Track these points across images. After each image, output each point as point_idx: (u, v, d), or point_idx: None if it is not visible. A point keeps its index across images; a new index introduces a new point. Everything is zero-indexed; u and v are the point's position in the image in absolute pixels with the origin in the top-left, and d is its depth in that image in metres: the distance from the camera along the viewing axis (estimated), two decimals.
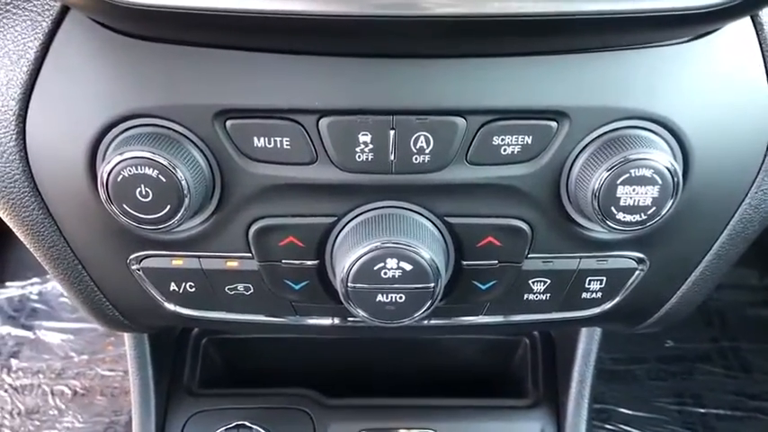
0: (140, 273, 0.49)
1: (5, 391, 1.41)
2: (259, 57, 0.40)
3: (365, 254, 0.43)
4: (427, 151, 0.42)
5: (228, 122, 0.42)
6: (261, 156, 0.43)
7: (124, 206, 0.42)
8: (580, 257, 0.47)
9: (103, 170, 0.41)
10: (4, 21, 0.42)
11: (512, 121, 0.42)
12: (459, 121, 0.42)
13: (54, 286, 1.66)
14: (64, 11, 0.42)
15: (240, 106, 0.41)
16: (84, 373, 1.44)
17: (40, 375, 1.45)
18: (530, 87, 0.41)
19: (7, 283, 1.66)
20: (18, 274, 1.66)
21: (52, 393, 1.39)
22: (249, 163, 0.43)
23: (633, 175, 0.41)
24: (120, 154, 0.41)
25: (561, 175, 0.44)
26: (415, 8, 0.32)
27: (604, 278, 0.49)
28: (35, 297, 1.64)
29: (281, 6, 0.32)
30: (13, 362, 1.46)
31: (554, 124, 0.42)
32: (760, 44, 0.43)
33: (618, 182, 0.41)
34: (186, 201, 0.41)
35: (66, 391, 1.39)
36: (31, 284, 1.65)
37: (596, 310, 0.52)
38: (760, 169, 0.46)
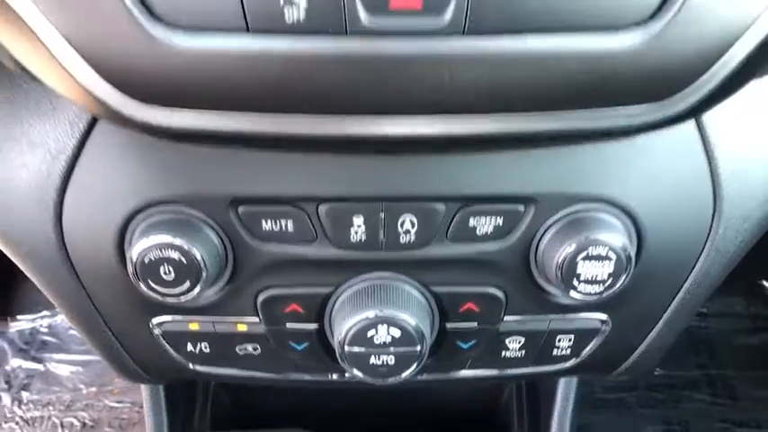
0: (160, 334, 0.55)
1: (16, 423, 1.45)
2: (266, 154, 0.47)
3: (359, 322, 0.49)
4: (412, 231, 0.49)
5: (240, 209, 0.49)
6: (268, 236, 0.49)
7: (149, 282, 0.48)
8: (549, 319, 0.54)
9: (132, 253, 0.47)
10: (48, 124, 0.48)
11: (485, 206, 0.49)
12: (440, 206, 0.48)
13: (63, 319, 1.71)
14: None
15: (251, 195, 0.48)
16: (92, 405, 1.48)
17: (50, 407, 1.49)
18: (499, 177, 0.48)
19: (18, 317, 1.71)
20: (28, 307, 1.71)
21: (62, 425, 1.43)
22: (258, 242, 0.50)
23: (591, 253, 0.48)
24: (147, 239, 0.47)
25: (530, 250, 0.50)
26: (372, 129, 0.39)
27: (572, 336, 0.55)
28: (45, 330, 1.70)
29: (264, 128, 0.39)
30: (24, 394, 1.51)
31: (521, 208, 0.49)
32: (700, 133, 0.50)
33: (578, 259, 0.48)
34: (203, 276, 0.48)
35: (76, 423, 1.44)
36: (41, 317, 1.71)
37: (567, 364, 0.58)
38: (706, 242, 0.52)
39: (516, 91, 0.38)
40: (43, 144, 0.49)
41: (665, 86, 0.38)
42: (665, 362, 1.49)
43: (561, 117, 0.39)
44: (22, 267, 0.55)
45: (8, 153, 0.50)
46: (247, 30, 0.36)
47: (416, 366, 0.51)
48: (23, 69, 0.41)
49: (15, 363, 1.60)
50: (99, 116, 0.45)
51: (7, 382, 1.57)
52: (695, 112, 0.40)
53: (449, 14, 0.35)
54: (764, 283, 1.61)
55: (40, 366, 1.59)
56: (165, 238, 0.47)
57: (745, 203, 0.52)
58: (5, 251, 0.55)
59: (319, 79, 0.37)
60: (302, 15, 0.35)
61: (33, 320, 1.70)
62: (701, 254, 0.52)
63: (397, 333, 0.49)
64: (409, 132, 0.39)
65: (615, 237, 0.48)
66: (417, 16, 0.35)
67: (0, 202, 0.51)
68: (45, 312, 1.70)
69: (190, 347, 0.55)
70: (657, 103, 0.39)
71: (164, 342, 0.56)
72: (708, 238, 0.51)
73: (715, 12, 0.36)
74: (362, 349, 0.50)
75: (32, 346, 1.65)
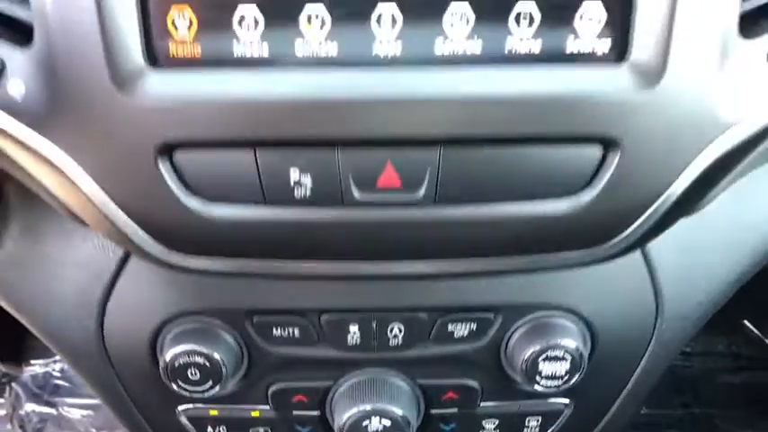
0: (184, 419, 0.64)
1: None
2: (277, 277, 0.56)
3: (355, 414, 0.58)
4: (400, 336, 0.58)
5: (255, 318, 0.58)
6: (278, 341, 0.59)
7: (178, 381, 0.57)
8: (519, 404, 0.63)
9: (164, 357, 0.57)
10: (95, 249, 0.58)
11: (460, 314, 0.58)
12: (423, 315, 0.58)
13: None
14: None
15: (263, 308, 0.57)
16: None
17: None
18: (472, 292, 0.58)
19: (32, 362, 1.79)
20: (41, 353, 1.79)
21: None
22: (269, 345, 0.60)
23: (550, 354, 0.57)
24: (177, 346, 0.57)
25: (500, 348, 0.60)
26: (363, 270, 0.49)
27: (540, 417, 0.64)
28: (57, 374, 1.77)
29: (277, 270, 0.49)
30: None
31: (491, 315, 0.58)
32: (642, 251, 0.60)
33: (539, 359, 0.57)
34: (224, 376, 0.57)
35: None
36: (54, 362, 1.79)
37: None
38: (651, 338, 0.62)
39: (479, 243, 0.47)
40: (89, 265, 0.58)
41: (597, 238, 0.48)
42: (649, 400, 1.56)
43: (516, 259, 0.48)
44: (61, 357, 0.64)
45: (58, 269, 0.60)
46: (265, 202, 0.45)
47: None
48: (75, 217, 0.51)
49: (29, 407, 1.67)
50: (135, 255, 0.55)
51: (21, 426, 1.64)
52: (627, 251, 0.50)
53: (422, 191, 0.45)
54: (746, 323, 1.68)
55: (53, 411, 1.66)
56: (192, 346, 0.56)
57: (683, 305, 0.61)
58: (46, 343, 0.64)
59: (322, 238, 0.46)
60: (308, 192, 0.45)
61: (46, 365, 1.78)
62: (647, 348, 0.62)
63: (387, 422, 0.58)
64: (388, 272, 0.49)
65: (570, 341, 0.57)
66: (398, 192, 0.45)
67: (47, 307, 0.61)
68: (57, 357, 1.77)
69: (210, 429, 0.64)
70: (593, 248, 0.49)
71: (187, 423, 0.65)
72: (652, 335, 0.61)
73: (633, 185, 0.45)
74: None
75: (45, 390, 1.73)
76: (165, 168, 0.44)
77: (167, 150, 0.44)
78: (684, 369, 1.65)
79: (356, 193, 0.45)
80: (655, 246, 0.59)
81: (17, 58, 0.43)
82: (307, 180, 0.44)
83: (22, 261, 0.61)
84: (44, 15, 0.41)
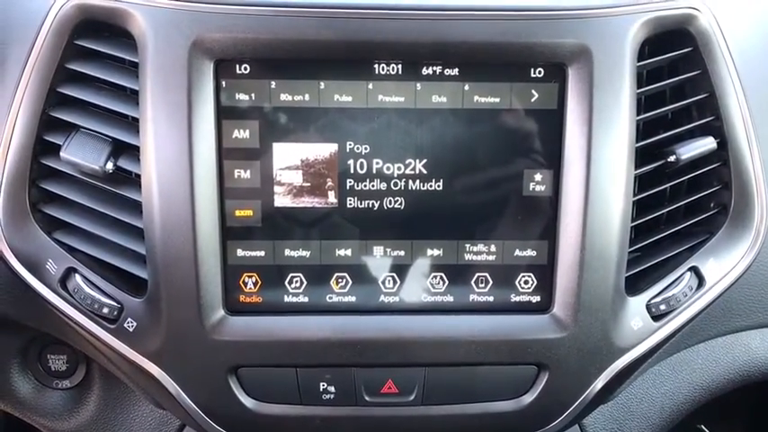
0: None
1: None
2: None
3: None
4: None
5: None
6: None
7: None
8: None
9: None
10: (156, 423, 0.76)
11: None
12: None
13: None
14: None
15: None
16: None
17: None
18: None
19: None
20: None
21: None
22: None
23: None
24: None
25: None
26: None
27: None
28: None
29: None
30: None
31: None
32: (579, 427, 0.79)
33: None
34: None
35: None
36: None
37: None
38: None
39: (453, 430, 0.66)
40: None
41: (538, 424, 0.67)
42: None
43: None
44: None
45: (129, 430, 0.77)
46: (301, 403, 0.64)
47: None
48: (156, 404, 0.69)
49: None
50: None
51: None
52: (564, 430, 0.69)
53: (413, 396, 0.64)
54: (702, 427, 1.84)
55: None
56: None
57: None
58: None
59: (341, 427, 0.65)
60: (332, 396, 0.64)
61: None
62: None
63: None
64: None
65: None
66: (396, 396, 0.64)
67: None
68: None
69: None
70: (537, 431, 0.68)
71: None
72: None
73: (559, 391, 0.65)
74: None
75: None
76: (232, 381, 0.63)
77: (235, 369, 0.63)
78: None
79: (366, 397, 0.64)
80: (588, 419, 0.78)
81: (132, 304, 0.62)
82: (331, 389, 0.64)
83: (100, 425, 0.78)
84: (156, 279, 0.60)
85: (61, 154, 0.61)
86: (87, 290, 0.62)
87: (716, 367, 0.79)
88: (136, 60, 0.59)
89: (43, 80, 0.61)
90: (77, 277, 0.62)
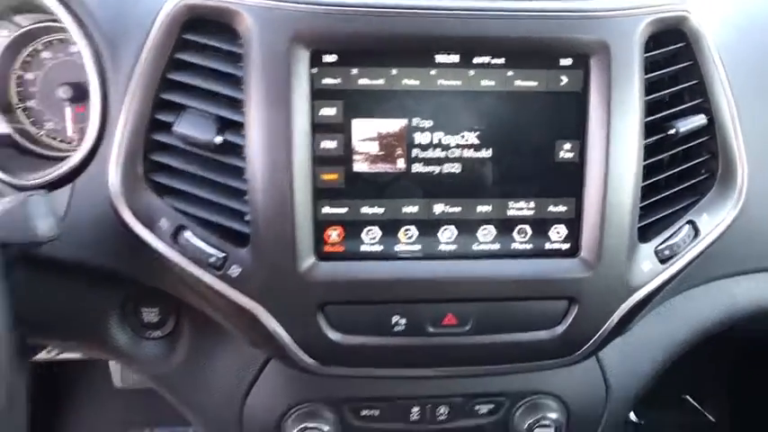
0: None
1: None
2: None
3: None
4: (445, 414, 0.90)
5: (349, 404, 0.88)
6: (364, 418, 0.90)
7: None
8: None
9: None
10: (241, 361, 0.88)
11: (484, 398, 0.90)
12: (459, 399, 0.90)
13: None
14: None
15: (354, 396, 0.88)
16: None
17: None
18: (492, 385, 0.90)
19: None
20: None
21: None
22: (357, 421, 0.90)
23: (541, 423, 0.89)
24: (300, 424, 0.86)
25: (508, 420, 0.91)
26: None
27: None
28: None
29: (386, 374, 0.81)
30: None
31: (504, 399, 0.90)
32: (596, 358, 0.93)
33: (534, 427, 0.89)
34: None
35: None
36: None
37: None
38: (605, 406, 0.95)
39: (499, 354, 0.81)
40: (238, 371, 0.89)
41: (566, 352, 0.82)
42: None
43: (520, 365, 0.82)
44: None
45: (214, 373, 0.89)
46: (377, 334, 0.77)
47: None
48: (251, 341, 0.82)
49: None
50: (286, 365, 0.84)
51: None
52: (585, 359, 0.83)
53: (468, 326, 0.78)
54: (688, 398, 2.00)
55: None
56: (310, 421, 0.86)
57: (624, 385, 0.94)
58: (194, 420, 0.92)
59: (409, 353, 0.79)
60: (403, 329, 0.78)
61: None
62: (603, 412, 0.95)
63: None
64: (443, 373, 0.83)
65: (554, 414, 0.89)
66: (454, 327, 0.78)
67: (204, 399, 0.89)
68: None
69: None
70: (564, 358, 0.82)
71: None
72: (606, 401, 0.94)
73: (585, 322, 0.79)
74: None
75: None
76: (320, 317, 0.76)
77: (323, 306, 0.76)
78: None
79: (430, 328, 0.78)
80: (603, 352, 0.93)
81: (236, 254, 0.75)
82: (402, 321, 0.77)
83: (190, 368, 0.90)
84: (258, 232, 0.73)
85: (174, 129, 0.73)
86: (196, 243, 0.74)
87: (705, 309, 0.95)
88: (238, 51, 0.72)
89: (156, 69, 0.74)
90: (187, 233, 0.75)
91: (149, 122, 0.75)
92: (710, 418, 1.90)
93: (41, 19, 0.87)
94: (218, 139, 0.73)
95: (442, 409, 0.90)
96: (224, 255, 0.75)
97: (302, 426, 0.87)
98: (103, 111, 0.77)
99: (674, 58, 0.80)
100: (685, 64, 0.79)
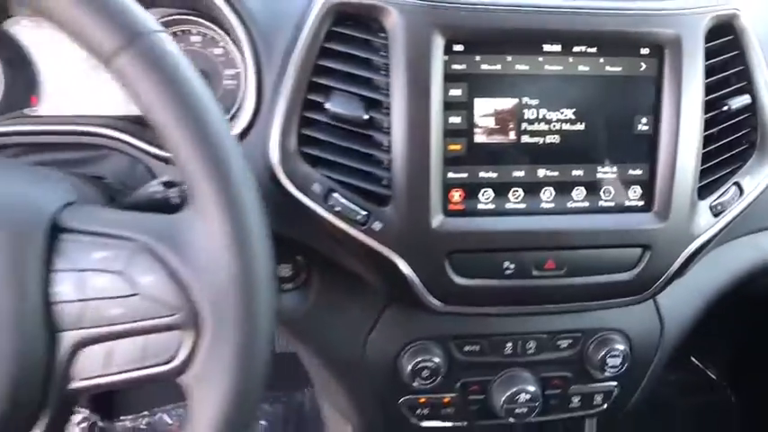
0: (404, 408, 1.08)
1: None
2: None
3: (510, 393, 1.05)
4: (533, 348, 1.07)
5: (455, 340, 1.05)
6: (467, 353, 1.06)
7: (416, 378, 1.02)
8: (592, 386, 1.12)
9: (409, 365, 1.01)
10: (364, 304, 1.04)
11: (564, 335, 1.08)
12: (545, 336, 1.07)
13: (161, 417, 2.09)
14: None
15: (460, 334, 1.05)
16: None
17: None
18: (571, 322, 1.08)
19: (121, 417, 2.08)
20: (131, 408, 2.08)
21: None
22: (462, 356, 1.06)
23: (612, 354, 1.07)
24: (414, 359, 1.02)
25: (583, 353, 1.09)
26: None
27: (602, 393, 1.13)
28: (144, 427, 2.07)
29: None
30: None
31: (580, 335, 1.09)
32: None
33: (606, 357, 1.07)
34: (439, 374, 1.03)
35: None
36: (142, 417, 2.08)
37: (600, 409, 1.15)
38: (660, 340, 1.13)
39: (585, 293, 0.98)
40: (361, 313, 1.04)
41: (639, 291, 1.00)
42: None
43: (599, 303, 0.99)
44: (328, 372, 1.07)
45: (341, 316, 1.04)
46: (491, 278, 0.93)
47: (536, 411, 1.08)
48: (383, 286, 0.97)
49: None
50: (410, 304, 0.99)
51: None
52: (652, 297, 1.01)
53: (564, 270, 0.95)
54: (693, 359, 2.20)
55: None
56: (423, 356, 1.02)
57: (674, 322, 1.13)
58: (321, 364, 1.07)
59: (516, 293, 0.96)
60: (512, 272, 0.94)
61: (135, 419, 2.07)
62: (659, 345, 1.14)
63: (528, 396, 1.05)
64: (536, 310, 1.01)
65: (621, 346, 1.07)
66: (554, 271, 0.95)
67: (331, 340, 1.04)
68: (145, 412, 2.08)
69: (418, 411, 1.08)
70: (636, 296, 1.00)
71: (405, 409, 1.08)
72: (661, 336, 1.13)
73: (656, 266, 0.97)
74: (511, 405, 1.05)
75: None
76: (446, 263, 0.92)
77: (449, 254, 0.91)
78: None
79: (534, 272, 0.94)
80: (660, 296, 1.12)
81: (378, 212, 0.90)
82: (512, 266, 0.94)
83: (318, 314, 1.04)
84: (398, 194, 0.88)
85: (328, 106, 0.88)
86: (344, 202, 0.89)
87: (741, 259, 1.14)
88: (382, 42, 0.87)
89: (309, 57, 0.88)
90: (336, 195, 0.89)
91: (302, 102, 0.89)
92: (712, 375, 2.12)
93: (169, 13, 0.99)
94: (366, 116, 0.88)
95: (531, 344, 1.07)
96: (367, 213, 0.89)
97: (416, 360, 1.03)
98: (258, 95, 0.91)
99: (724, 48, 0.98)
100: (733, 53, 0.97)
